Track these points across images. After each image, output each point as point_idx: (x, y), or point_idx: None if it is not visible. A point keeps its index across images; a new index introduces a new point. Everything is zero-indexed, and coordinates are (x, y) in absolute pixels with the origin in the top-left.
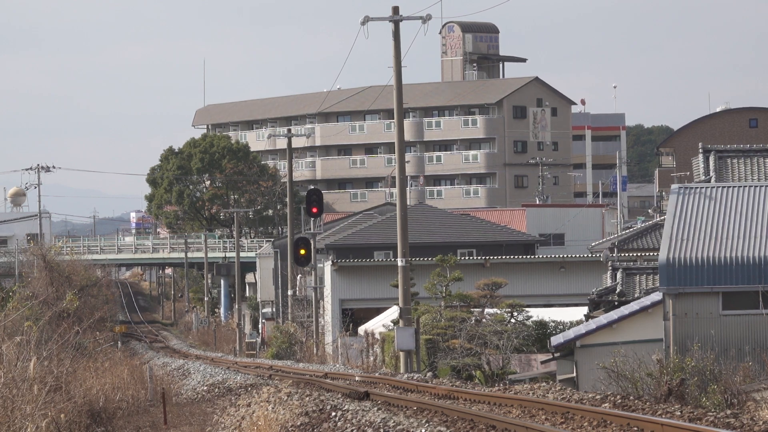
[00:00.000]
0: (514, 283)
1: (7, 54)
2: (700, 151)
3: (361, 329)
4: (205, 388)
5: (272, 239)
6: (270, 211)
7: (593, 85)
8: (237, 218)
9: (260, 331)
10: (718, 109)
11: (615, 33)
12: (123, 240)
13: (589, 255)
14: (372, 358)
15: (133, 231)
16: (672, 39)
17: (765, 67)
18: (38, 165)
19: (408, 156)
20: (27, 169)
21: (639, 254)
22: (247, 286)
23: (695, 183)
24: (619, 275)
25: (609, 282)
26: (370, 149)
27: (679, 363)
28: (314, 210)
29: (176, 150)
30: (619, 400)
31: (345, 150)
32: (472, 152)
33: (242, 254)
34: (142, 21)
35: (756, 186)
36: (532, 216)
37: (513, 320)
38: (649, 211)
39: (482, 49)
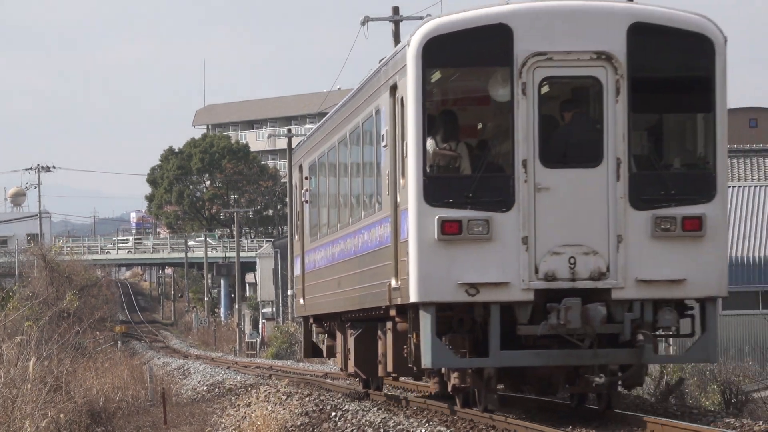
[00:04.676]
0: None
1: (8, 54)
2: None
3: None
4: (205, 388)
5: (272, 239)
6: (270, 211)
7: None
8: (237, 218)
9: (260, 331)
10: None
11: None
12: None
13: None
14: None
15: (133, 231)
16: None
17: (765, 67)
18: (38, 165)
19: None
20: (27, 169)
21: None
22: (247, 286)
23: None
24: None
25: None
26: None
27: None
28: None
29: (176, 150)
30: None
31: None
32: None
33: (242, 254)
34: (142, 21)
35: (756, 186)
36: None
37: None
38: None
39: None
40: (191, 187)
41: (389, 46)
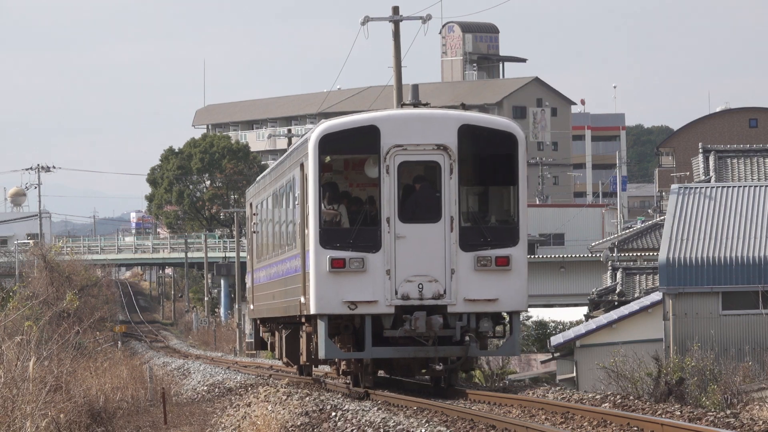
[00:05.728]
0: None
1: (8, 53)
2: (700, 151)
3: None
4: (205, 388)
5: None
6: None
7: (593, 85)
8: (237, 218)
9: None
10: (718, 109)
11: (615, 33)
12: (123, 240)
13: (589, 255)
14: None
15: (133, 231)
16: (672, 38)
17: (765, 67)
18: (38, 165)
19: None
20: (27, 169)
21: (639, 254)
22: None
23: (695, 183)
24: (619, 275)
25: (609, 282)
26: None
27: (679, 363)
28: None
29: (176, 150)
30: (619, 400)
31: None
32: None
33: (242, 254)
34: (142, 21)
35: (756, 186)
36: (532, 216)
37: None
38: (649, 211)
39: (482, 49)
40: (191, 187)
41: (389, 46)
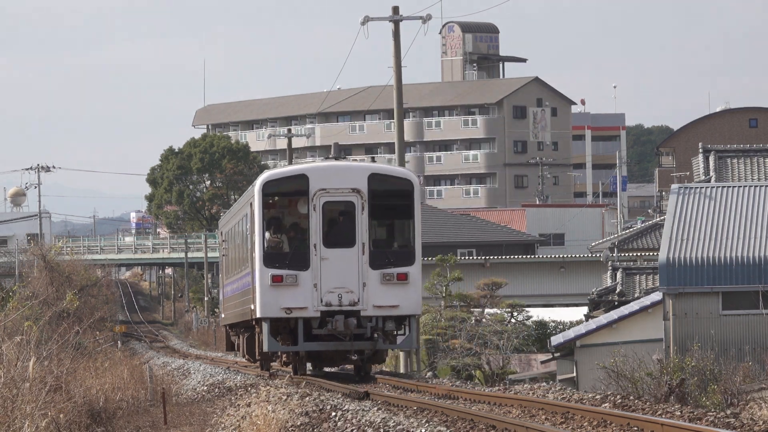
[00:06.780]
0: (514, 283)
1: (8, 54)
2: (700, 151)
3: None
4: (205, 388)
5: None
6: None
7: (593, 85)
8: None
9: None
10: (718, 109)
11: (615, 33)
12: (123, 240)
13: (589, 255)
14: None
15: (133, 231)
16: (672, 38)
17: (765, 67)
18: (38, 165)
19: (408, 156)
20: (27, 169)
21: (639, 254)
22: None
23: (695, 183)
24: (619, 275)
25: (609, 282)
26: (370, 149)
27: (679, 363)
28: None
29: (176, 150)
30: (619, 400)
31: (345, 150)
32: (472, 152)
33: None
34: (142, 21)
35: (756, 186)
36: (532, 216)
37: (513, 320)
38: (649, 211)
39: (482, 49)
40: (191, 187)
41: (389, 46)
